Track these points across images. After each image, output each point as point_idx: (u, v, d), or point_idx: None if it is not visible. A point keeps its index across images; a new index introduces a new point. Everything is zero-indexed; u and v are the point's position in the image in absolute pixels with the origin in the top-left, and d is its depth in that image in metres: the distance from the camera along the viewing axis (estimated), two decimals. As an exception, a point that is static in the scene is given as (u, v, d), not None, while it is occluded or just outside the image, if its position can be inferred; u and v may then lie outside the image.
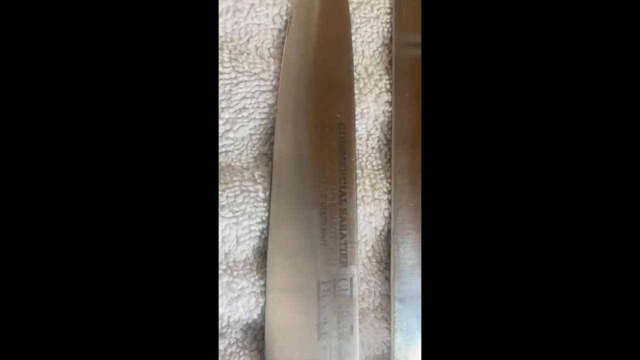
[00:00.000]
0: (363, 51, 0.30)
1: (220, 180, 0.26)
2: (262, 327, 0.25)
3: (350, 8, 0.30)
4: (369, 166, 0.29)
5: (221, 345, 0.25)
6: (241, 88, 0.27)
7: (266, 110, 0.28)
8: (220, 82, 0.27)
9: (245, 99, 0.27)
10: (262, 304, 0.25)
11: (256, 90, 0.28)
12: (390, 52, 0.30)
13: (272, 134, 0.27)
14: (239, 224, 0.26)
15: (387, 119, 0.29)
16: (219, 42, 0.28)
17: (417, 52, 0.29)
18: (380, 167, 0.29)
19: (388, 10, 0.31)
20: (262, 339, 0.25)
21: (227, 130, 0.27)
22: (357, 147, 0.29)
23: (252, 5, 0.28)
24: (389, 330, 0.27)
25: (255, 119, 0.28)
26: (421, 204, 0.27)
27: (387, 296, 0.28)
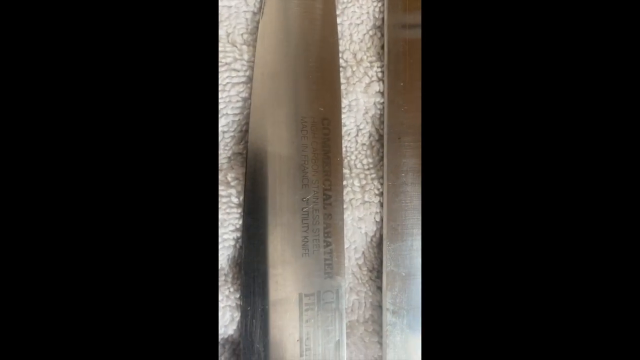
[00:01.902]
0: (351, 35, 0.28)
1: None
2: (239, 343, 0.24)
3: (336, -15, 0.28)
4: (359, 165, 0.28)
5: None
6: (211, 80, 0.25)
7: (239, 104, 0.26)
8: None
9: (216, 92, 0.26)
10: (237, 319, 0.25)
11: (227, 82, 0.26)
12: (382, 35, 0.28)
13: (247, 131, 0.26)
14: (209, 233, 0.24)
15: (378, 111, 0.28)
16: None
17: (414, 34, 0.27)
18: (371, 165, 0.28)
19: (380, -13, 0.28)
20: (240, 354, 0.24)
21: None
22: (345, 144, 0.28)
23: (222, -16, 0.26)
24: (380, 344, 0.26)
25: (227, 114, 0.26)
26: (421, 206, 0.26)
27: (378, 307, 0.27)
